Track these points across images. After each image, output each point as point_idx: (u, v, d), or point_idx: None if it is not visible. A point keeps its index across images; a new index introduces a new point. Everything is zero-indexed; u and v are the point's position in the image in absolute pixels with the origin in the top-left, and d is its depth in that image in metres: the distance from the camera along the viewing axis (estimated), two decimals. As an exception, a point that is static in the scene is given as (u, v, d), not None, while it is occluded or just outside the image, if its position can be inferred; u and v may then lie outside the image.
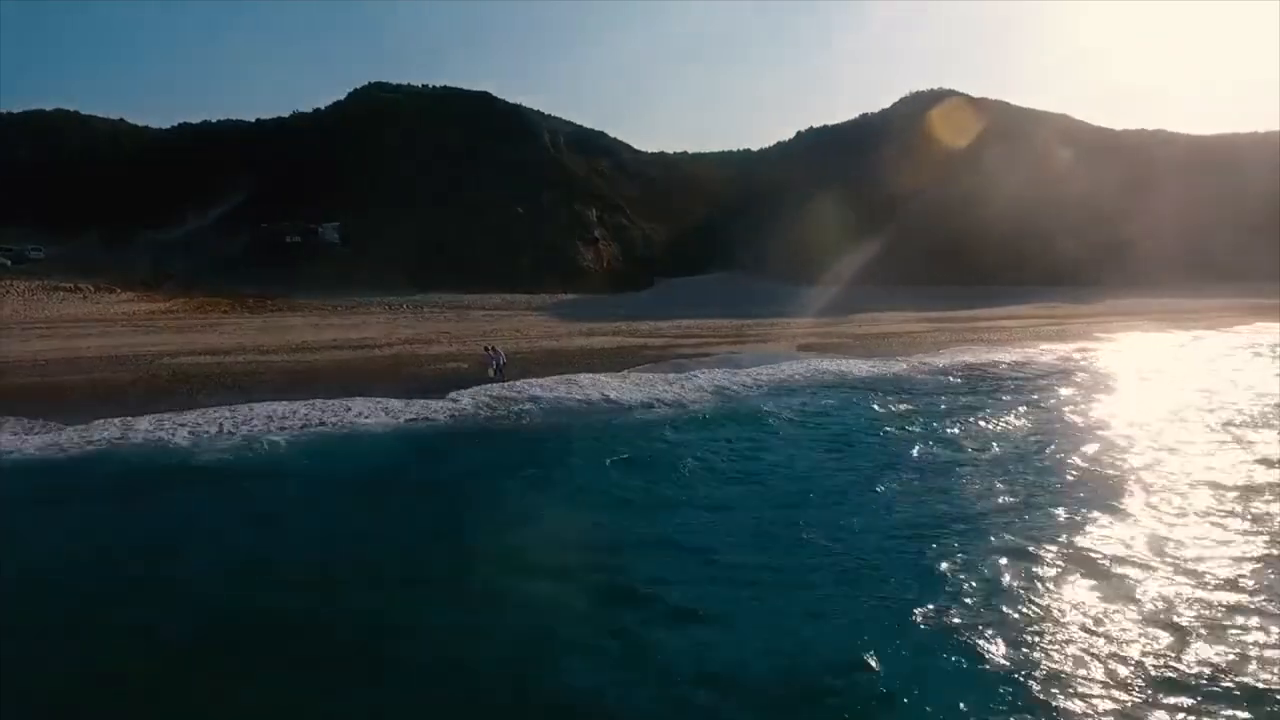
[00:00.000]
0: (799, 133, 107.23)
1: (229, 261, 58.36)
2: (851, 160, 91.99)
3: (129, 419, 16.37)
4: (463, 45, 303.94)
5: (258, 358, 25.69)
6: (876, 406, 19.28)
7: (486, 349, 23.88)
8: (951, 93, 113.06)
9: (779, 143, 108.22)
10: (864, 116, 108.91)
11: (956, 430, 16.53)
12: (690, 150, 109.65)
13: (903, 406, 19.19)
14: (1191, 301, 54.60)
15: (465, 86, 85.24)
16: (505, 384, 21.58)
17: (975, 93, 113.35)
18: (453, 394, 19.91)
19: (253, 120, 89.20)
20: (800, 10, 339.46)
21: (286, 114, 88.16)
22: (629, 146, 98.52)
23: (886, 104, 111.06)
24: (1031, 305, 54.12)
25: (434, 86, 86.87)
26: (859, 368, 25.64)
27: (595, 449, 15.12)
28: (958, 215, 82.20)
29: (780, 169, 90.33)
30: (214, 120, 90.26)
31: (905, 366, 25.99)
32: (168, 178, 73.41)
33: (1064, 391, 21.74)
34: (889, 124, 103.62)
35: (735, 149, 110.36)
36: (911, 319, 42.63)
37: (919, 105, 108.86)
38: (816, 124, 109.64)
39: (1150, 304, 52.84)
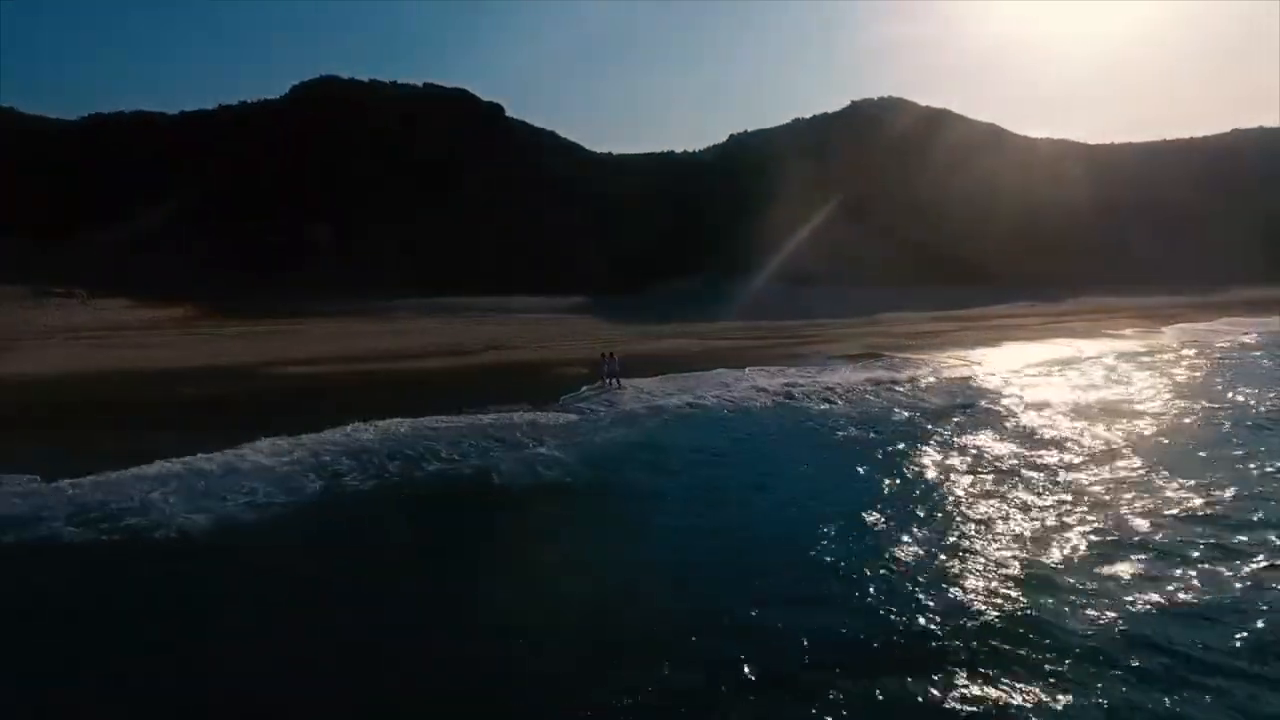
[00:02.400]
0: (732, 136, 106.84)
1: (207, 263, 53.99)
2: (808, 164, 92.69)
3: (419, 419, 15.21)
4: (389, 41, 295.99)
5: (363, 366, 24.00)
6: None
7: (604, 355, 22.75)
8: (901, 101, 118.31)
9: (712, 145, 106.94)
10: (802, 120, 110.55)
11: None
12: (614, 151, 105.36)
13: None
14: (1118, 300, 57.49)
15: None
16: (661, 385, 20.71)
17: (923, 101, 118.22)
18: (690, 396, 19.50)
19: (182, 111, 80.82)
20: (721, 11, 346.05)
21: (213, 105, 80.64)
22: (581, 147, 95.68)
23: (832, 109, 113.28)
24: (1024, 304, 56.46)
25: (397, 83, 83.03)
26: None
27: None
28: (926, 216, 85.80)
29: (735, 170, 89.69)
30: (147, 110, 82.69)
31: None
32: (98, 172, 66.83)
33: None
34: (837, 128, 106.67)
35: (657, 151, 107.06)
36: (924, 319, 43.54)
37: (869, 111, 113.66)
38: (750, 127, 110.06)
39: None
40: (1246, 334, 35.54)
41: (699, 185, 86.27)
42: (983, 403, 18.79)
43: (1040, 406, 18.46)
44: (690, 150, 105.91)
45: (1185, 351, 29.44)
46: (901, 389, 20.69)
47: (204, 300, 43.45)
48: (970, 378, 23.29)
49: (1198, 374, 24.15)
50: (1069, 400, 19.14)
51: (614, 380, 21.48)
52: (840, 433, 16.25)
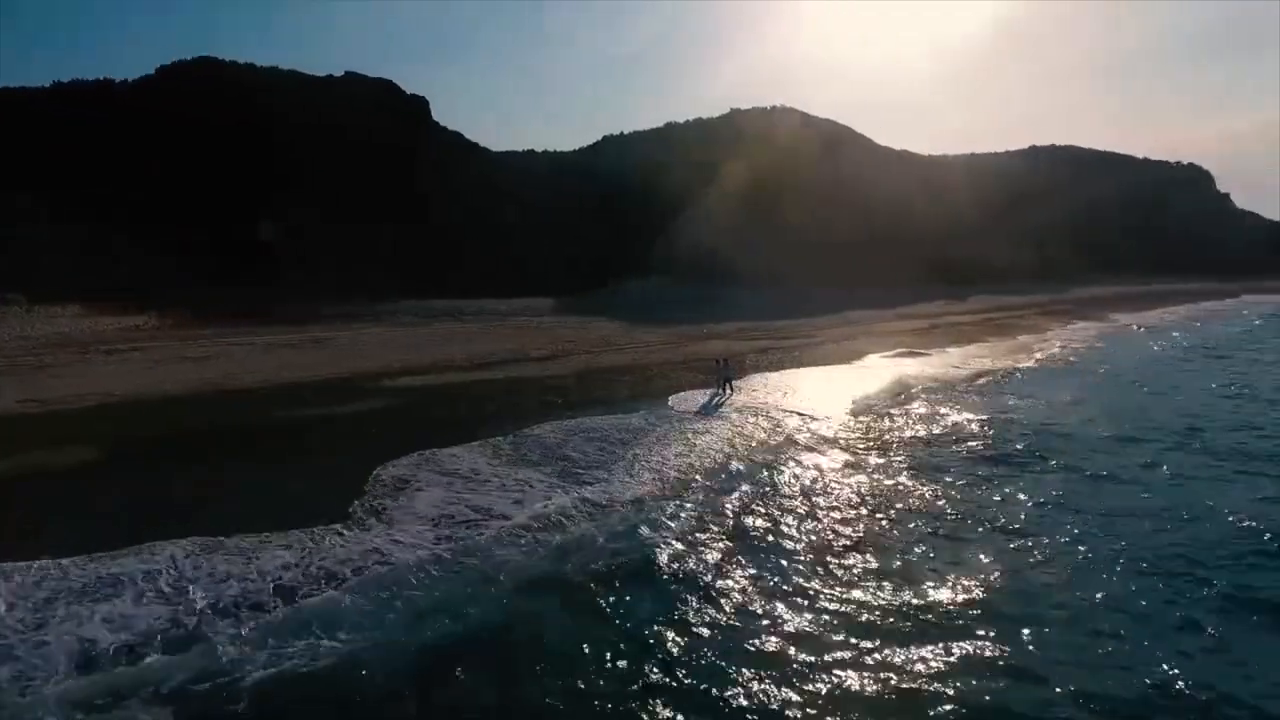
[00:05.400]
0: (607, 136, 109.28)
1: (138, 263, 49.12)
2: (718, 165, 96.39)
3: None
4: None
5: (464, 376, 24.35)
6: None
7: (718, 361, 24.71)
8: (789, 109, 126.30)
9: (591, 145, 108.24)
10: (676, 124, 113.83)
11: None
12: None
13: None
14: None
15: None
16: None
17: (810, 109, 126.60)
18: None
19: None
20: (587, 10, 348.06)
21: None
22: (484, 147, 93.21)
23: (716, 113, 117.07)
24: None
25: (291, 71, 76.94)
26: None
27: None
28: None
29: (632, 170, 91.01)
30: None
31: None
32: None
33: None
34: (723, 131, 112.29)
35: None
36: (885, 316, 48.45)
37: (755, 117, 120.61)
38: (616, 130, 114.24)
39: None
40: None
41: (621, 186, 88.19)
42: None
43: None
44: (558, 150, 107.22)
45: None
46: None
47: (162, 306, 40.18)
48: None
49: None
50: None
51: (728, 385, 23.56)
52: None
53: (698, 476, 14.50)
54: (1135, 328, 49.04)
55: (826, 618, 8.83)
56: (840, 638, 8.34)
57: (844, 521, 12.07)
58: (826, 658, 7.93)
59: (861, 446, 16.84)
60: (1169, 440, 17.55)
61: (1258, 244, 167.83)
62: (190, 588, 9.25)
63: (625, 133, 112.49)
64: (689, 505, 12.81)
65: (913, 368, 27.96)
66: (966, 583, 9.80)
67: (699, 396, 22.39)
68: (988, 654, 8.06)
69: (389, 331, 35.35)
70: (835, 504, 12.99)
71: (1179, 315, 62.42)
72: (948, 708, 7.16)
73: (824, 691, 7.38)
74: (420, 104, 78.04)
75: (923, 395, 22.80)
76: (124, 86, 71.67)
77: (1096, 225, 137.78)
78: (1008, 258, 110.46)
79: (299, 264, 55.78)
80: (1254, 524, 11.90)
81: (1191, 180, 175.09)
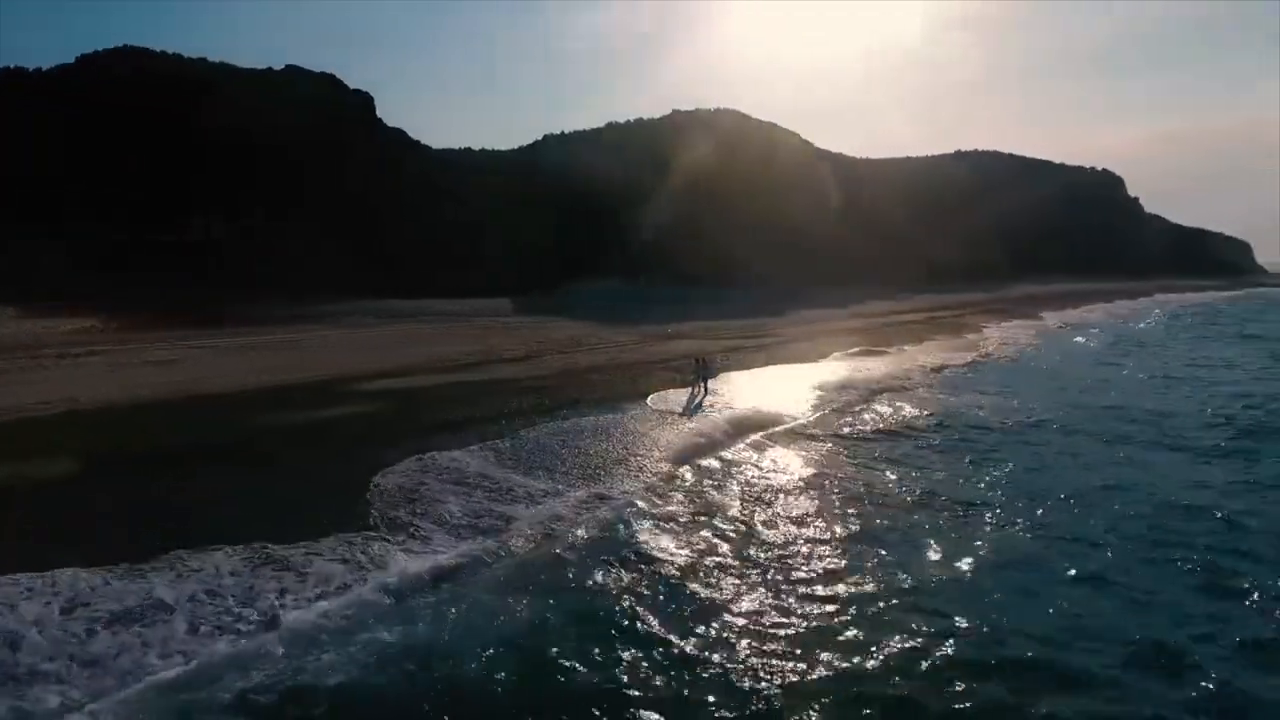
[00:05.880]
0: (547, 135, 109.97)
1: (65, 262, 46.66)
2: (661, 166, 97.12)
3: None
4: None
5: (453, 378, 24.34)
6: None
7: (697, 360, 25.30)
8: (732, 111, 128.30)
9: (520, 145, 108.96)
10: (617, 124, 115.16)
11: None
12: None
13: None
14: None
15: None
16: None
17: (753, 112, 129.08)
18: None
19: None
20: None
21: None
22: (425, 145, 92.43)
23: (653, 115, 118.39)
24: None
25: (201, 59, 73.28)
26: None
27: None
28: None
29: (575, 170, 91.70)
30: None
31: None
32: None
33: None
34: (665, 132, 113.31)
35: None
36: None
37: (697, 118, 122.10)
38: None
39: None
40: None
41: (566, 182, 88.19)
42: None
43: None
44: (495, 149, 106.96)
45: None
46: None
47: (103, 309, 38.45)
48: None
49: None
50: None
51: (705, 384, 24.16)
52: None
53: (697, 472, 15.12)
54: (1064, 325, 52.28)
55: (822, 605, 9.53)
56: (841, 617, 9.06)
57: (831, 508, 12.86)
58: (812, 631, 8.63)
59: (846, 440, 17.76)
60: (1129, 427, 19.28)
61: (1165, 245, 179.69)
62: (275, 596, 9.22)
63: (566, 132, 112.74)
64: (689, 501, 13.39)
65: (877, 365, 29.26)
66: (956, 559, 10.69)
67: (680, 395, 22.95)
68: (957, 624, 8.88)
69: (352, 333, 34.75)
70: (822, 493, 13.82)
71: (1101, 313, 66.68)
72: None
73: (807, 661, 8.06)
74: (364, 99, 76.40)
75: (892, 391, 24.00)
76: (39, 75, 67.88)
77: (1021, 228, 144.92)
78: (942, 259, 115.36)
79: (238, 263, 54.05)
80: (1178, 497, 13.65)
81: (1105, 185, 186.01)
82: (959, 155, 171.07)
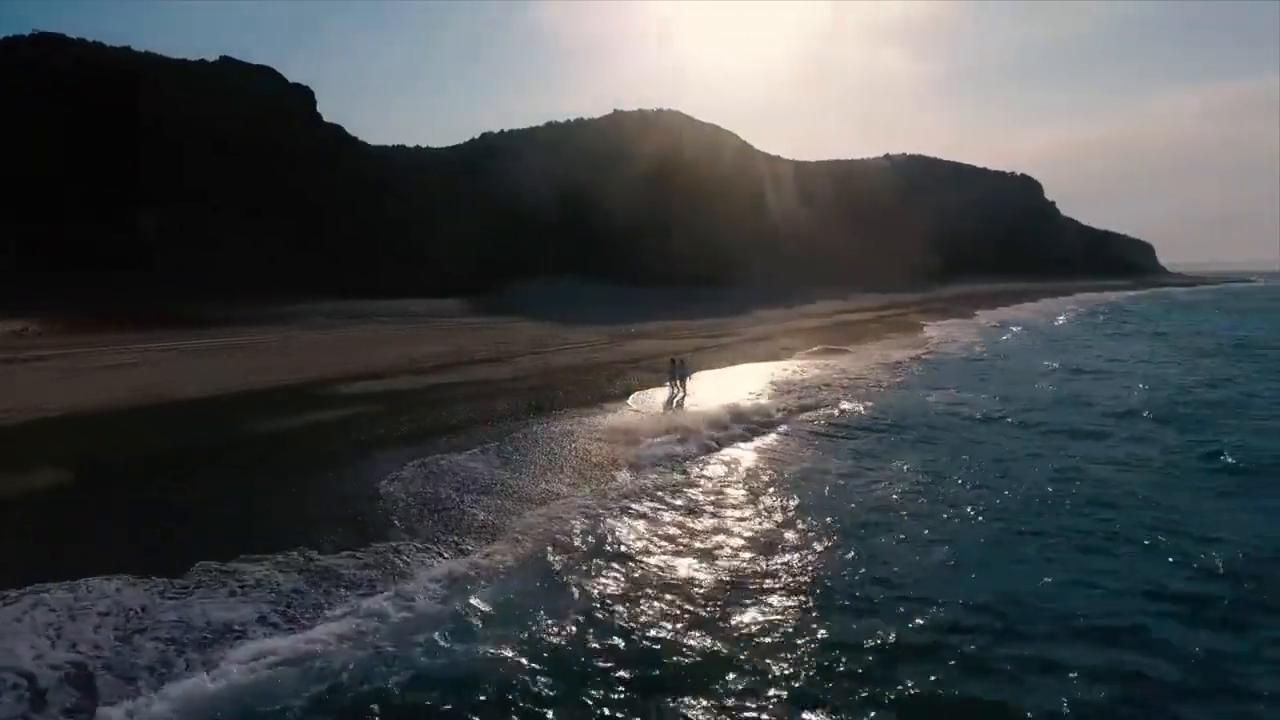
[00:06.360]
0: (485, 134, 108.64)
1: (7, 263, 43.75)
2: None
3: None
4: None
5: (431, 379, 24.26)
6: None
7: (674, 360, 25.76)
8: (674, 112, 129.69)
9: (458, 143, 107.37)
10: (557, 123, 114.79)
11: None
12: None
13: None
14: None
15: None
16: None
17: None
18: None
19: None
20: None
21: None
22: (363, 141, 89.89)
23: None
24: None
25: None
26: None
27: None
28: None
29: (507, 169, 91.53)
30: None
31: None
32: None
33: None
34: (608, 132, 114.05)
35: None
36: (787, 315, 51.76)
37: (640, 119, 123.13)
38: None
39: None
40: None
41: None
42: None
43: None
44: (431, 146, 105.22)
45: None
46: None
47: (38, 311, 36.36)
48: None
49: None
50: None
51: (682, 383, 24.70)
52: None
53: (696, 468, 15.73)
54: (999, 324, 55.23)
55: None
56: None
57: (817, 497, 13.66)
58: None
59: (826, 433, 18.66)
60: (1076, 416, 20.82)
61: (1080, 247, 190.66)
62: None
63: (505, 130, 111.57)
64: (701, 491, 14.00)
65: (842, 363, 30.47)
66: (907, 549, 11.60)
67: (659, 394, 23.47)
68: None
69: (317, 335, 33.89)
70: (806, 482, 14.63)
71: (1029, 312, 70.63)
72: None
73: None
74: (304, 93, 74.14)
75: (864, 387, 25.13)
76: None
77: (948, 230, 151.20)
78: (880, 260, 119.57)
79: (176, 262, 51.72)
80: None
81: (1025, 189, 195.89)
82: (888, 159, 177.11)
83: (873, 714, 7.37)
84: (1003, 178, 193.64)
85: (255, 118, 65.19)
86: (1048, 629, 8.98)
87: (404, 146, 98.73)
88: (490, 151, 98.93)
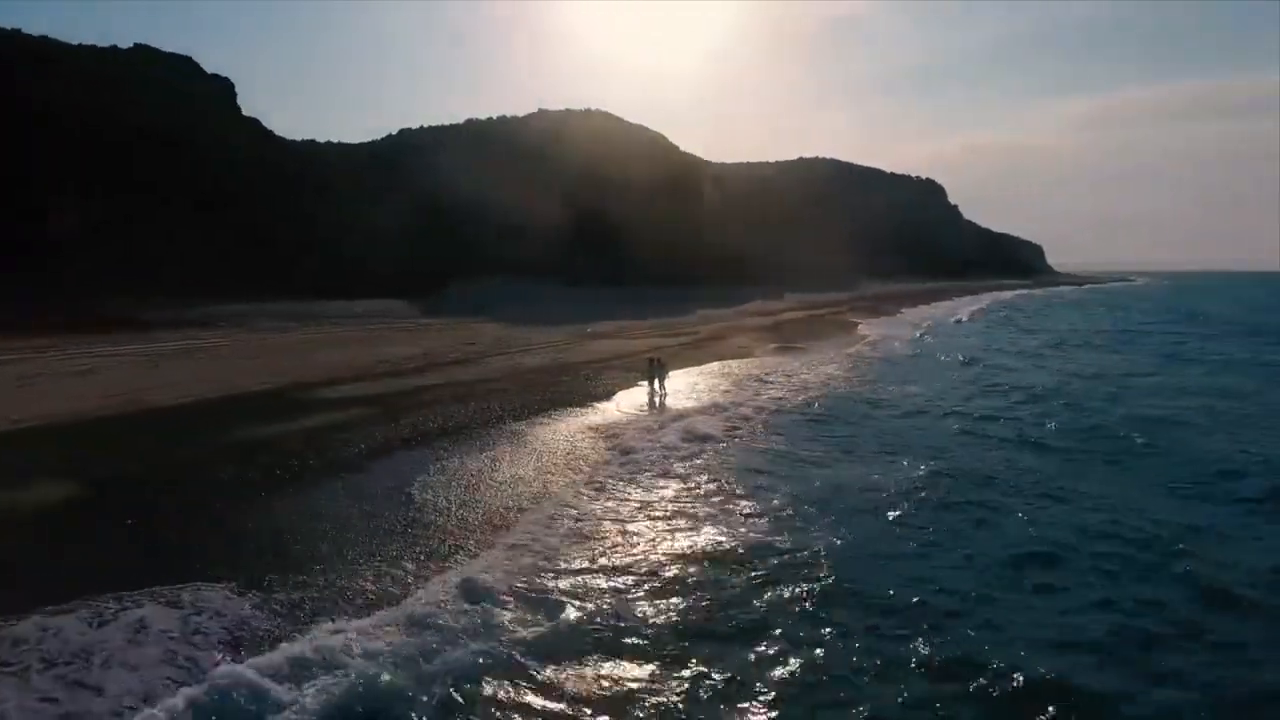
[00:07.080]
0: (404, 130, 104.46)
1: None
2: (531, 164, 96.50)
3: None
4: None
5: (411, 382, 24.03)
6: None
7: (652, 360, 26.29)
8: (602, 112, 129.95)
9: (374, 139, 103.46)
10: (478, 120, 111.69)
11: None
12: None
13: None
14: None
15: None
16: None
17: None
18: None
19: None
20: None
21: None
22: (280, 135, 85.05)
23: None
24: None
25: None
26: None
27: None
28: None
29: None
30: None
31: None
32: None
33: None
34: (533, 130, 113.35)
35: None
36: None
37: (567, 118, 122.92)
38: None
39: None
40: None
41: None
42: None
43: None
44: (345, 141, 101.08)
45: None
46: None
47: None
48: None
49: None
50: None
51: (661, 382, 25.30)
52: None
53: (696, 463, 16.58)
54: (927, 320, 58.94)
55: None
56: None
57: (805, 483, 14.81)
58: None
59: (809, 428, 19.90)
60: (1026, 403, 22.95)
61: (978, 247, 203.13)
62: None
63: (425, 126, 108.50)
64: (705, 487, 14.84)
65: (801, 361, 32.03)
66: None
67: (638, 394, 24.06)
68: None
69: (271, 338, 32.70)
70: (791, 474, 15.62)
71: (945, 309, 75.40)
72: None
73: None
74: (224, 84, 70.45)
75: (832, 383, 26.65)
76: None
77: (860, 231, 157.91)
78: (803, 260, 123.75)
79: (96, 260, 48.31)
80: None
81: (930, 192, 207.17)
82: (800, 162, 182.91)
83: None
84: (908, 181, 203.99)
85: (171, 108, 61.49)
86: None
87: (312, 140, 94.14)
88: (408, 148, 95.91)
